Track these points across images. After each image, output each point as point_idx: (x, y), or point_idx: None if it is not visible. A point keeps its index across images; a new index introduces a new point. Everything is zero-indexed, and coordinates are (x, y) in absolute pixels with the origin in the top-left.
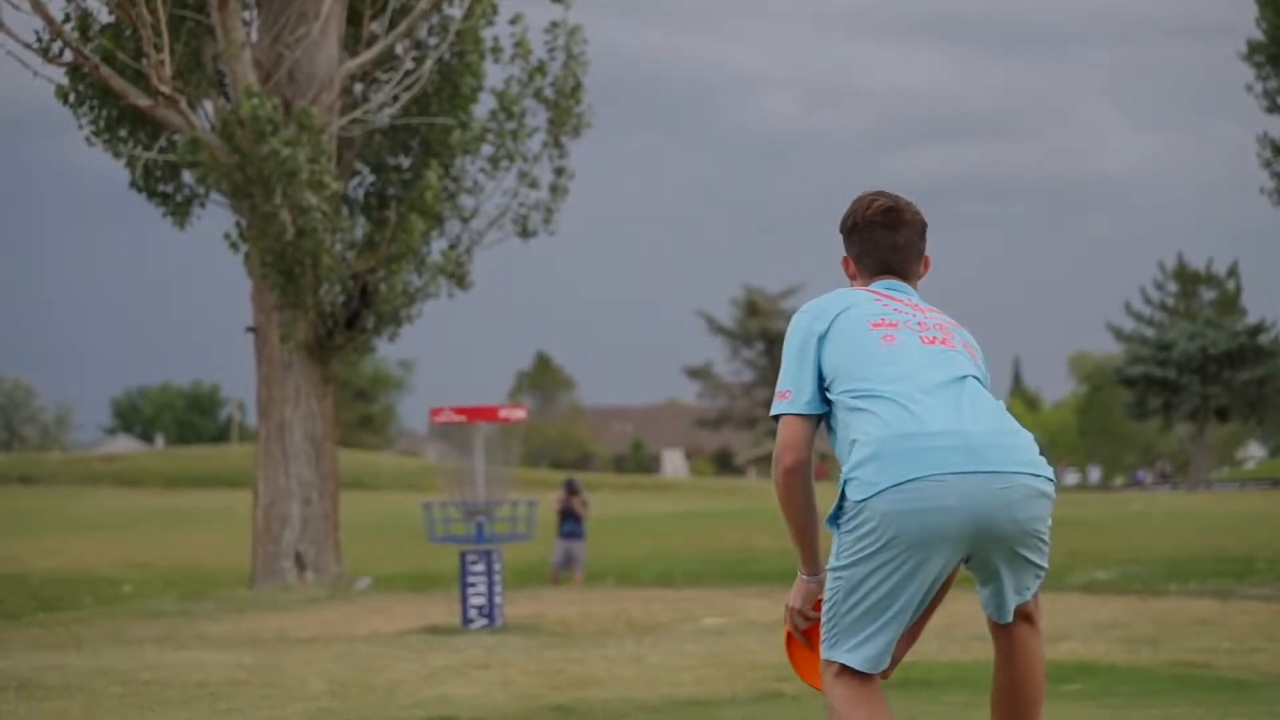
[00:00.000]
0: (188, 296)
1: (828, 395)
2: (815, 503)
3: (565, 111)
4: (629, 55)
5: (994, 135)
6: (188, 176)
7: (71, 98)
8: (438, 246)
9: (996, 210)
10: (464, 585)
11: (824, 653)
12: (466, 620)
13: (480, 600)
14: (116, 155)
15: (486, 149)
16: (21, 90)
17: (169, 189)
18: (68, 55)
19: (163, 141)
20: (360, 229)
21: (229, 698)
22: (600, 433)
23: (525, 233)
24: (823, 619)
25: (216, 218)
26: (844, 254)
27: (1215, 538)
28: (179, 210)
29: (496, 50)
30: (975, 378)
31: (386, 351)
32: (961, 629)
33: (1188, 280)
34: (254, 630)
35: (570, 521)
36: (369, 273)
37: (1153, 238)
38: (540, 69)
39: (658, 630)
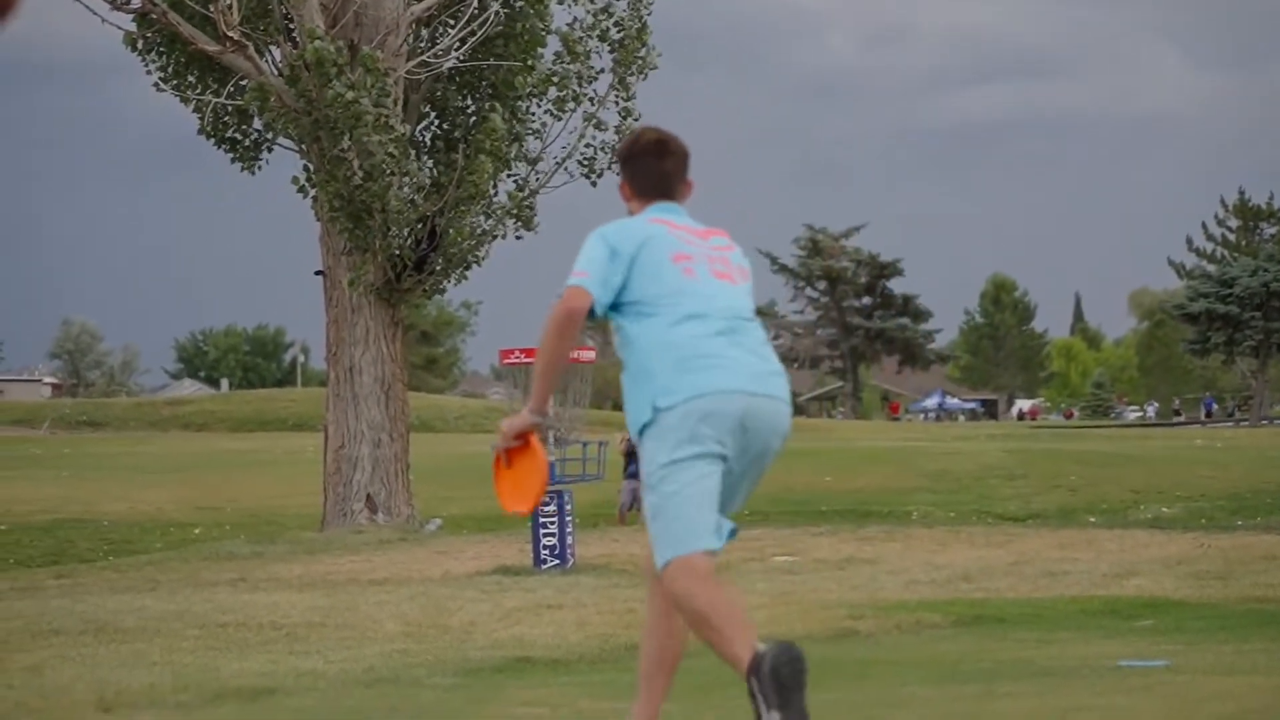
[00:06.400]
0: (251, 240)
1: (621, 303)
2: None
3: (630, 53)
4: None
5: (1054, 74)
6: (256, 122)
7: (140, 44)
8: (503, 189)
9: (1057, 148)
10: (535, 526)
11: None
12: (539, 561)
13: (552, 541)
14: (185, 101)
15: (552, 91)
16: (88, 36)
17: (237, 135)
18: (135, 2)
19: (231, 87)
20: (427, 172)
21: (305, 639)
22: None
23: (592, 174)
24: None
25: (284, 162)
26: (620, 181)
27: (1279, 473)
28: (247, 155)
29: None
30: (750, 317)
31: (451, 294)
32: (1032, 566)
33: (1249, 216)
34: (327, 572)
35: (637, 462)
36: (437, 215)
37: (1213, 174)
38: (606, 10)
39: (728, 569)
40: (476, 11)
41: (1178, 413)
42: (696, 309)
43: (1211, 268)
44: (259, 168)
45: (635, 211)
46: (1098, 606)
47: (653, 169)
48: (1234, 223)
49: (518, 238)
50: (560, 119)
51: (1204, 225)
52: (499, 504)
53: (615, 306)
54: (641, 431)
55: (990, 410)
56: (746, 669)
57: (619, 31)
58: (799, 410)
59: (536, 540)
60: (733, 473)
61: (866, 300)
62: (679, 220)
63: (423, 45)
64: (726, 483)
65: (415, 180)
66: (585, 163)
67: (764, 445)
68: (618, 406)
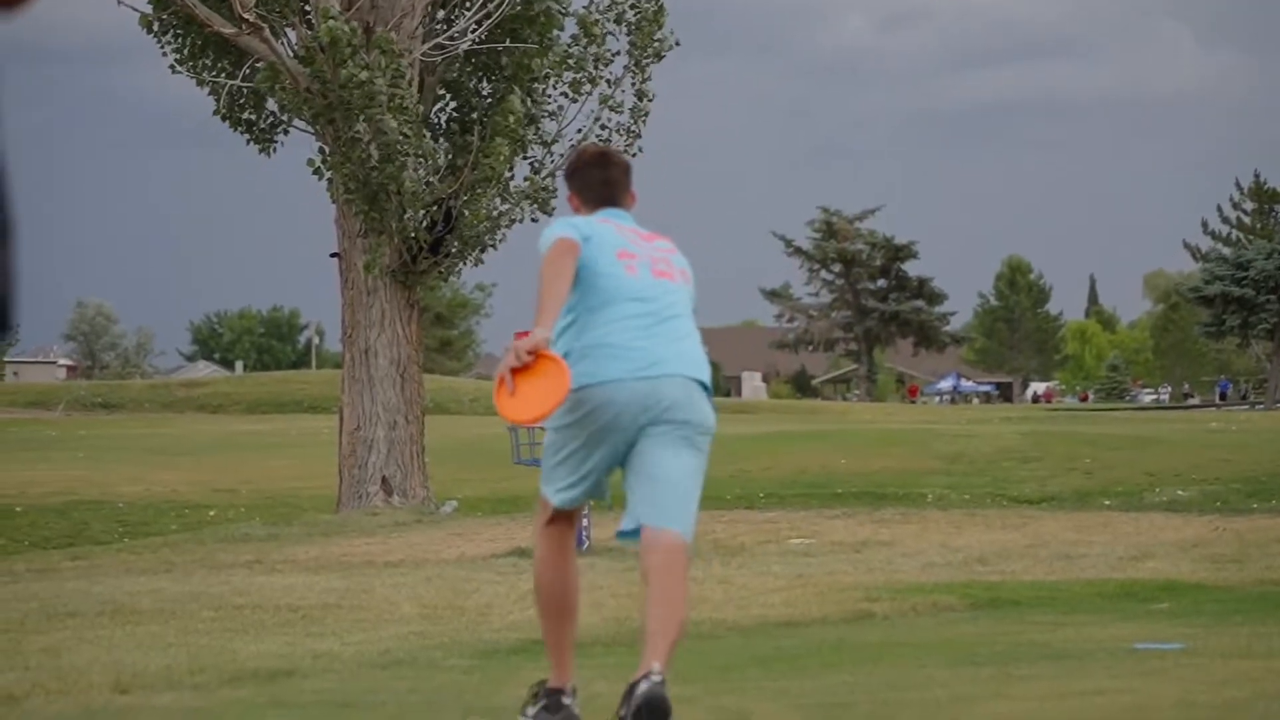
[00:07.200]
0: (266, 222)
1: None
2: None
3: (647, 35)
4: None
5: (1070, 55)
6: (271, 104)
7: (155, 26)
8: (520, 171)
9: (1072, 130)
10: None
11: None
12: None
13: None
14: (200, 84)
15: (568, 74)
16: (103, 17)
17: (253, 116)
18: None
19: (246, 69)
20: (443, 154)
21: (321, 621)
22: None
23: None
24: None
25: (300, 144)
26: (569, 195)
27: None
28: (263, 137)
29: None
30: (684, 314)
31: (465, 276)
32: (1047, 548)
33: (1264, 199)
34: (342, 554)
35: None
36: (452, 198)
37: (1229, 157)
38: None
39: (743, 552)
40: None
41: (1188, 395)
42: (630, 306)
43: (1227, 250)
44: (274, 150)
45: None
46: (1113, 589)
47: (596, 178)
48: (1249, 206)
49: (533, 220)
50: (576, 101)
51: (1219, 208)
52: (504, 416)
53: None
54: None
55: (1005, 393)
56: (553, 681)
57: (635, 14)
58: (814, 393)
59: None
60: (640, 442)
61: (881, 283)
62: (625, 224)
63: (439, 28)
64: (642, 446)
65: (431, 162)
66: (601, 145)
67: (676, 415)
68: None
